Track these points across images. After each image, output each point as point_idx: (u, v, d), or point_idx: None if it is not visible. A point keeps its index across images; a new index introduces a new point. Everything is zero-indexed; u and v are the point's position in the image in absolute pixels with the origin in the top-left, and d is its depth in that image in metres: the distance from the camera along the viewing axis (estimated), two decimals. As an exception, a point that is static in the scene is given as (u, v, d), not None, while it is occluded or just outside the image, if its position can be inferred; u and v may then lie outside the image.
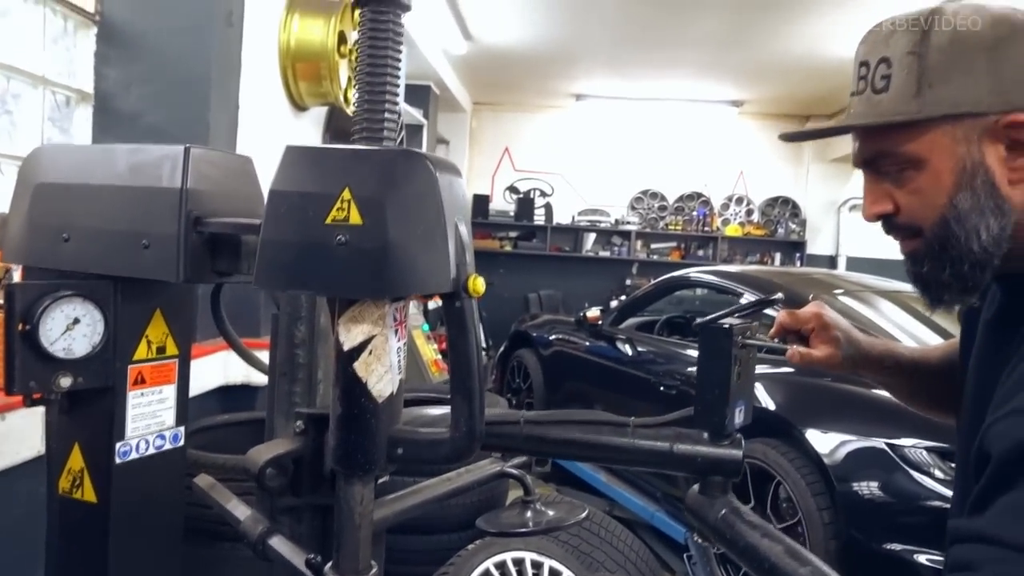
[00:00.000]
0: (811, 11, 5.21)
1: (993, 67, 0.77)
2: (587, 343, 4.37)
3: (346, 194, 0.73)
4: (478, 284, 0.76)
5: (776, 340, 1.09)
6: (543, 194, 9.04)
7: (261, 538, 0.86)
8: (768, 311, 1.24)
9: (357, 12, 2.85)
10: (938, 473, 2.34)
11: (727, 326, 0.95)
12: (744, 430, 0.97)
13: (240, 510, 0.94)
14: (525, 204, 8.93)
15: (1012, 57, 0.77)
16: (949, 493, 2.26)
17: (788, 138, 0.97)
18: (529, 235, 8.98)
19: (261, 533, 0.86)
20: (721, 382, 0.94)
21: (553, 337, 4.70)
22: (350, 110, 3.12)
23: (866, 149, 0.86)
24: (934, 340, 2.98)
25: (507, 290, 8.31)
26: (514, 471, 1.37)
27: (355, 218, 0.73)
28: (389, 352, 0.78)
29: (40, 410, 1.78)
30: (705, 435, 0.93)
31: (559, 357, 4.57)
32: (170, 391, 0.97)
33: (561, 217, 8.98)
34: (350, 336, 0.77)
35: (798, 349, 1.05)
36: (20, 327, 0.82)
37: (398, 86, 0.81)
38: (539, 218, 8.94)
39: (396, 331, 0.79)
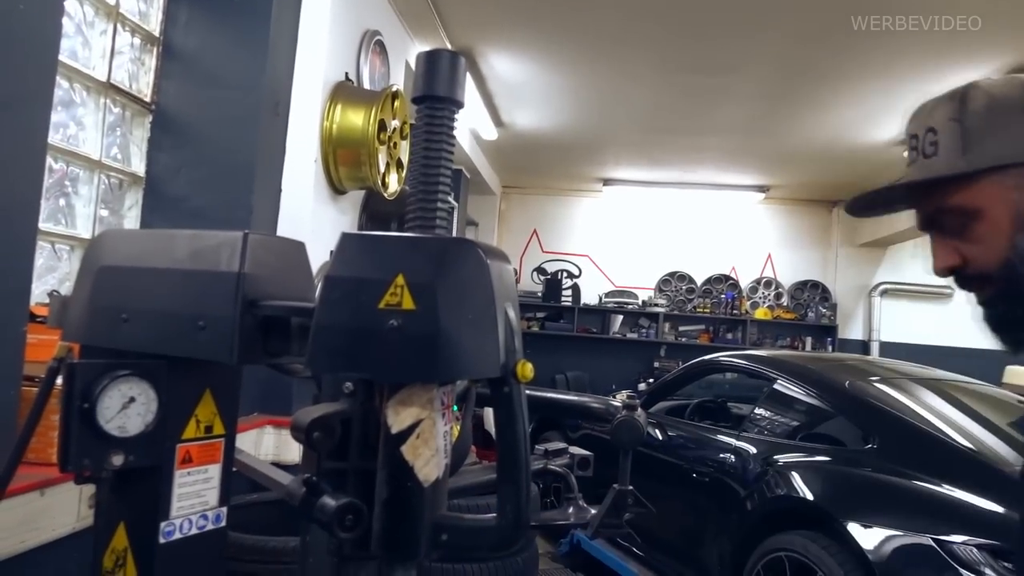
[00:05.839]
0: (834, 101, 5.32)
1: None
2: (616, 427, 4.31)
3: (399, 280, 0.76)
4: (527, 369, 0.77)
5: None
6: (571, 275, 9.10)
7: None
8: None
9: (397, 102, 2.92)
10: (990, 573, 2.23)
11: None
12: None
13: (282, 476, 0.91)
14: (553, 285, 8.99)
15: None
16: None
17: (853, 210, 1.01)
18: (556, 316, 8.99)
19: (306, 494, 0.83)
20: None
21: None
22: (387, 194, 3.22)
23: (926, 208, 0.94)
24: (974, 429, 2.88)
25: (534, 371, 8.28)
26: (559, 468, 1.32)
27: (408, 303, 0.75)
28: (436, 436, 0.78)
29: (77, 488, 1.80)
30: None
31: (587, 440, 4.50)
32: (215, 470, 0.98)
33: (588, 298, 9.01)
34: (399, 419, 0.78)
35: None
36: (80, 405, 0.84)
37: (450, 177, 0.85)
38: (566, 299, 8.98)
39: (443, 415, 0.80)
